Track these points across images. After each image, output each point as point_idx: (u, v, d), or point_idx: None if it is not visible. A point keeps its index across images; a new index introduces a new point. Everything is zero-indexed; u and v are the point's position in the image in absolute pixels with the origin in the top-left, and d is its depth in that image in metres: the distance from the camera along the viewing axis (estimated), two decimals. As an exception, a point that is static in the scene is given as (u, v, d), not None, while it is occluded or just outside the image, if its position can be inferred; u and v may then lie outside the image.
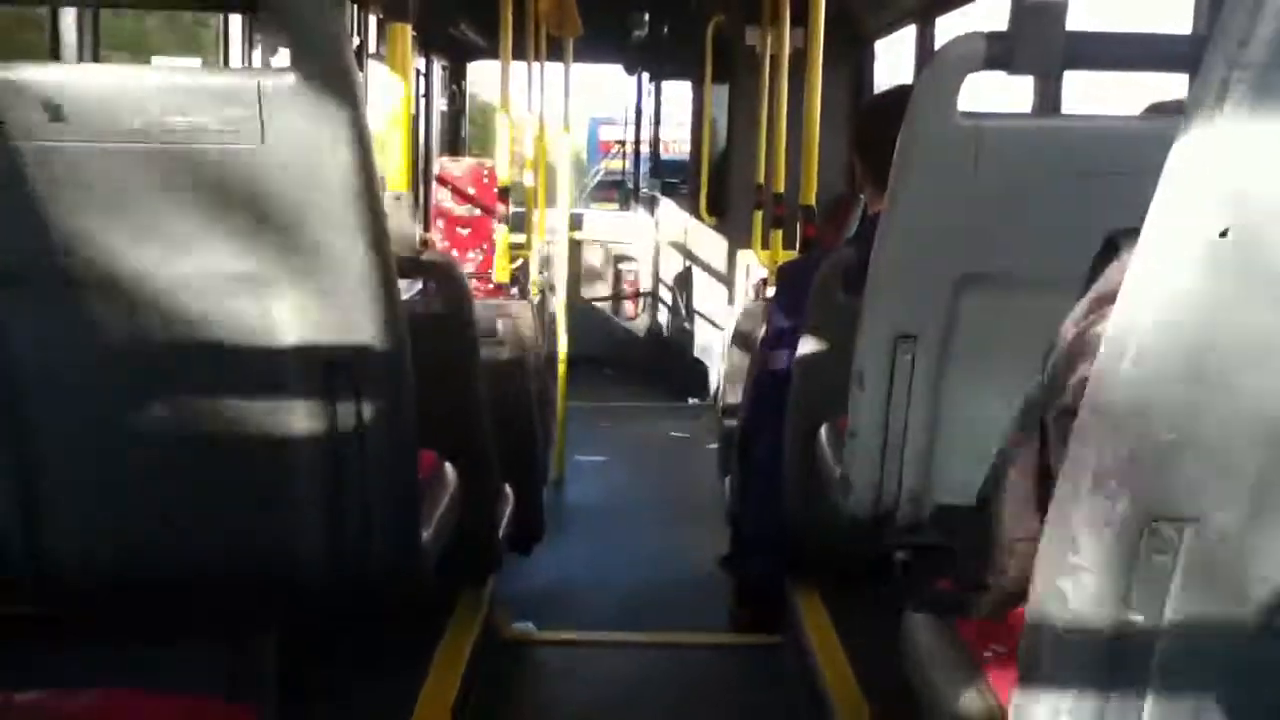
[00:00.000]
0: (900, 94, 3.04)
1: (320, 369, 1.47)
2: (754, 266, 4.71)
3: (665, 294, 7.75)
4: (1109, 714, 0.88)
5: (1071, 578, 0.86)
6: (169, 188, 1.38)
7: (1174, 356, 0.79)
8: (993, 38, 1.55)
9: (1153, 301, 0.79)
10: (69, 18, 2.78)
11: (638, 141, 9.34)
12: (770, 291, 3.38)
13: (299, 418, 1.50)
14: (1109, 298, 1.02)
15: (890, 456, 1.79)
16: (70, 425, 1.52)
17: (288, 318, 1.44)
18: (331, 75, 1.34)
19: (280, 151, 1.34)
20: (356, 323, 1.46)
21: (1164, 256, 0.78)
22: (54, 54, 2.78)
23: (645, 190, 8.41)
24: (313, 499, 1.54)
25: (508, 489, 2.74)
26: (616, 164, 11.09)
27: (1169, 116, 1.77)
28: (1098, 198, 1.55)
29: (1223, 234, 0.75)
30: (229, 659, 1.74)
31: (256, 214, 1.38)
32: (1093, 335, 1.03)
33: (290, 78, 1.32)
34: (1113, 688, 0.88)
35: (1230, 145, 0.74)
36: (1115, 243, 1.10)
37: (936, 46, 4.30)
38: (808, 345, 2.50)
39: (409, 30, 2.57)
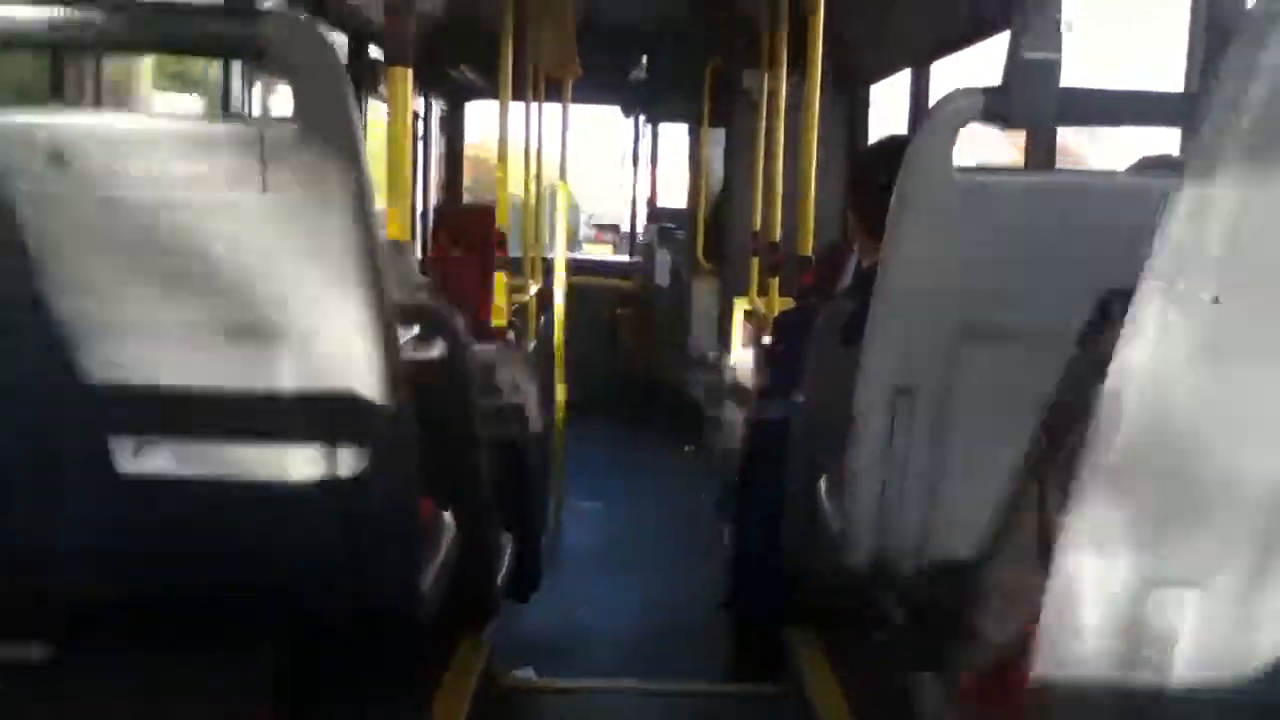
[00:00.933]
0: (892, 145, 3.06)
1: (320, 417, 1.48)
2: (751, 315, 4.71)
3: (662, 340, 7.74)
4: None
5: (1077, 640, 0.87)
6: (170, 236, 1.39)
7: (1169, 421, 0.79)
8: (989, 93, 1.56)
9: (1146, 367, 0.80)
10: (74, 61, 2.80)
11: (634, 186, 9.37)
12: (767, 340, 3.39)
13: (299, 465, 1.50)
14: (1106, 359, 1.03)
15: (890, 509, 1.79)
16: (69, 469, 1.53)
17: (288, 365, 1.44)
18: (333, 126, 1.35)
19: (281, 201, 1.35)
20: (356, 371, 1.46)
21: (1157, 322, 0.79)
22: (55, 97, 2.80)
23: (642, 239, 8.41)
24: (312, 546, 1.55)
25: (506, 536, 2.73)
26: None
27: (1161, 173, 1.79)
28: (1093, 253, 1.55)
29: (1215, 300, 0.76)
30: (230, 708, 1.73)
31: (257, 263, 1.39)
32: (1091, 394, 1.03)
33: (292, 128, 1.33)
34: None
35: (1223, 212, 0.75)
36: (1109, 303, 1.11)
37: (931, 89, 4.35)
38: (807, 395, 2.50)
39: (409, 73, 2.58)
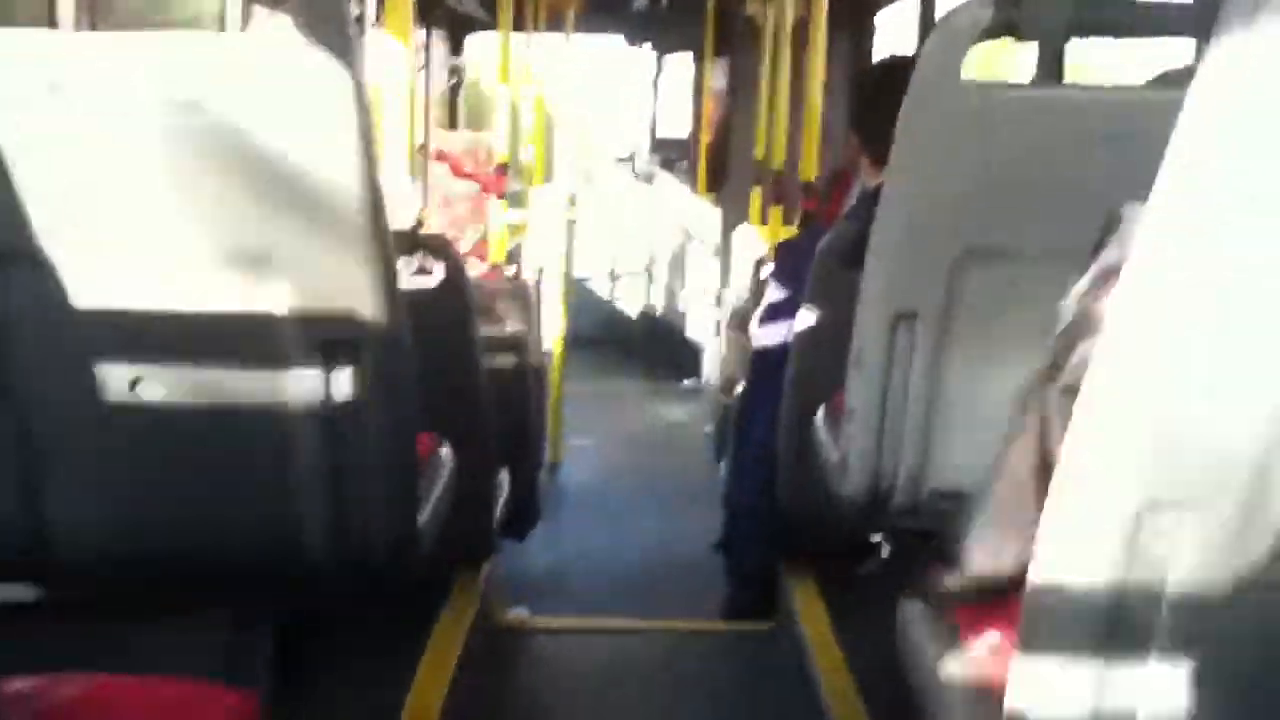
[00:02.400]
0: (895, 64, 2.98)
1: (319, 345, 1.46)
2: (752, 243, 4.66)
3: (661, 272, 7.70)
4: (1105, 697, 0.87)
5: (1070, 562, 0.85)
6: (168, 161, 1.36)
7: (1176, 335, 0.76)
8: (999, 3, 1.52)
9: (1156, 278, 0.76)
10: None
11: (640, 112, 9.26)
12: (768, 269, 3.34)
13: (298, 395, 1.48)
14: (1113, 272, 0.98)
15: (888, 438, 1.76)
16: (67, 404, 1.51)
17: (287, 293, 1.42)
18: (333, 47, 1.31)
19: (281, 123, 1.33)
20: (355, 298, 1.44)
21: (1168, 233, 0.76)
22: (51, 22, 2.73)
23: (643, 166, 8.34)
24: (311, 478, 1.53)
25: (503, 473, 2.71)
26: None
27: (1176, 86, 1.72)
28: (1103, 169, 1.51)
29: (1229, 208, 0.72)
30: (227, 641, 1.73)
31: (256, 187, 1.36)
32: (1095, 311, 0.99)
33: (292, 49, 1.30)
34: (1110, 670, 0.86)
35: (1238, 114, 0.72)
36: (1117, 215, 1.06)
37: (938, 16, 4.25)
38: (805, 323, 2.45)
39: (410, 2, 2.54)
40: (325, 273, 1.42)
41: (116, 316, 1.45)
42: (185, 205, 1.38)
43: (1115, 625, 0.84)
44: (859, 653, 2.38)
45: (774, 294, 2.93)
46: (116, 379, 1.49)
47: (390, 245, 1.46)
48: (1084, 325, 0.99)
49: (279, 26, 1.36)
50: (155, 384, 1.50)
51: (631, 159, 9.06)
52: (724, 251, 6.34)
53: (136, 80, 1.33)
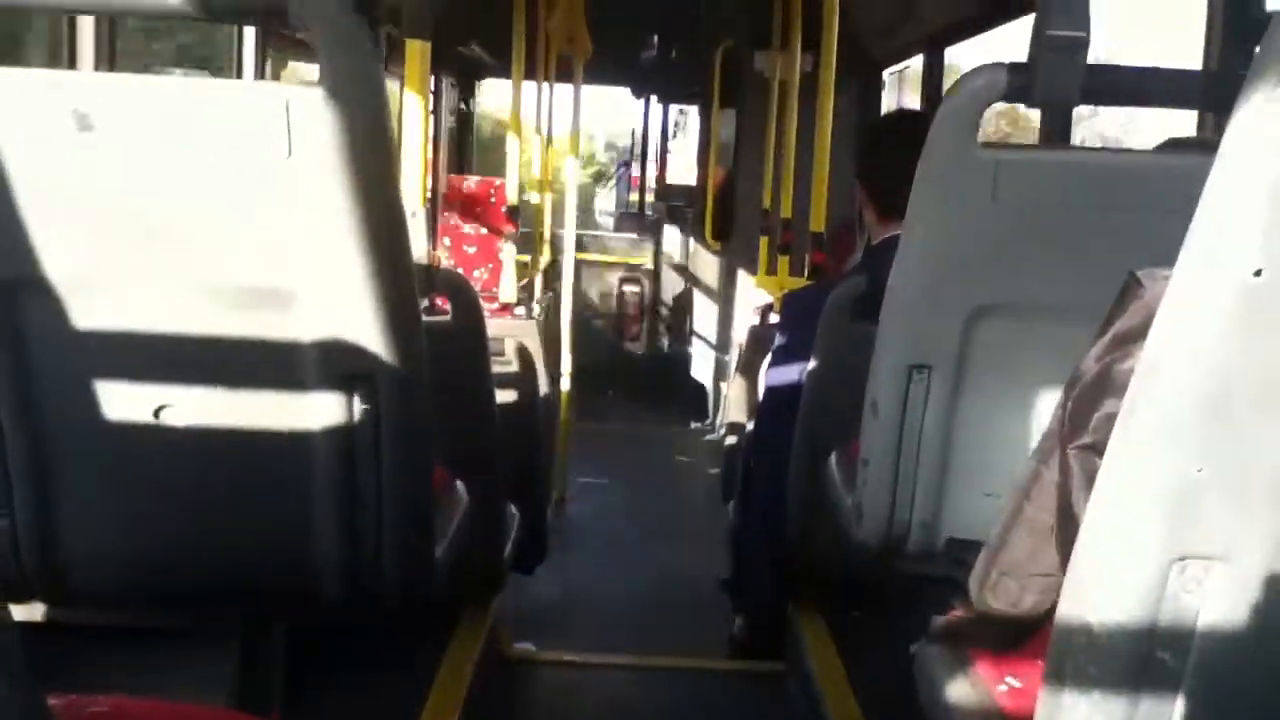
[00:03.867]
0: (901, 119, 3.05)
1: (338, 378, 1.47)
2: (759, 292, 4.71)
3: (668, 318, 7.75)
4: None
5: (1097, 613, 0.86)
6: (194, 198, 1.39)
7: (1205, 394, 0.79)
8: (1013, 69, 1.55)
9: (1185, 339, 0.79)
10: (86, 26, 2.79)
11: (644, 164, 9.36)
12: (775, 318, 3.39)
13: (316, 426, 1.50)
14: (1134, 334, 1.03)
15: (903, 485, 1.78)
16: (87, 432, 1.52)
17: (308, 328, 1.44)
18: (359, 89, 1.34)
19: (306, 164, 1.34)
20: (376, 334, 1.46)
21: (1197, 294, 0.78)
22: (71, 62, 2.79)
23: (650, 215, 8.42)
24: (329, 510, 1.54)
25: (513, 508, 2.73)
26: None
27: (1187, 152, 1.78)
28: (1114, 232, 1.56)
29: (1257, 274, 0.75)
30: (241, 667, 1.74)
31: (281, 226, 1.39)
32: (1118, 372, 1.03)
33: (318, 91, 1.32)
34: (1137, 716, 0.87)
35: (1265, 183, 0.74)
36: (1138, 280, 1.11)
37: (944, 76, 4.33)
38: (817, 371, 2.50)
39: (428, 47, 2.57)
40: (346, 307, 1.43)
41: (138, 345, 1.47)
42: (209, 239, 1.40)
43: (1143, 672, 0.85)
44: (870, 692, 2.39)
45: (783, 341, 2.98)
46: (136, 406, 1.50)
47: (412, 281, 1.48)
48: (1105, 386, 1.03)
49: (288, 71, 1.39)
50: (174, 412, 1.51)
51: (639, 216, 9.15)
52: (730, 298, 6.40)
53: (161, 119, 1.35)
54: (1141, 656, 0.85)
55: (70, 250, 1.41)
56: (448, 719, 2.29)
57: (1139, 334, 0.90)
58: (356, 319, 1.45)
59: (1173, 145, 2.02)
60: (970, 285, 1.69)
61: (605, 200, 14.45)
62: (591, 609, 3.74)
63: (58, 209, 1.39)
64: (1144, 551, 0.83)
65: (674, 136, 9.45)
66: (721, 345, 6.44)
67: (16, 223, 1.39)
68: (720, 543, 3.76)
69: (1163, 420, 0.81)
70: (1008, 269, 1.67)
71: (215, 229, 1.40)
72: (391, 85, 3.23)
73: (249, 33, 3.51)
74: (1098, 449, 0.94)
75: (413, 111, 2.65)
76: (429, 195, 6.03)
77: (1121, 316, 1.09)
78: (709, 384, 6.76)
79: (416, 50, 2.55)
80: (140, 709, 1.23)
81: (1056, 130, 3.00)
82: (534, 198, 5.64)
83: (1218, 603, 0.83)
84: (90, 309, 1.46)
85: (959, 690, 1.29)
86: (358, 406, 1.49)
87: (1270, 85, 0.72)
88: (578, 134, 5.41)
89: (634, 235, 8.61)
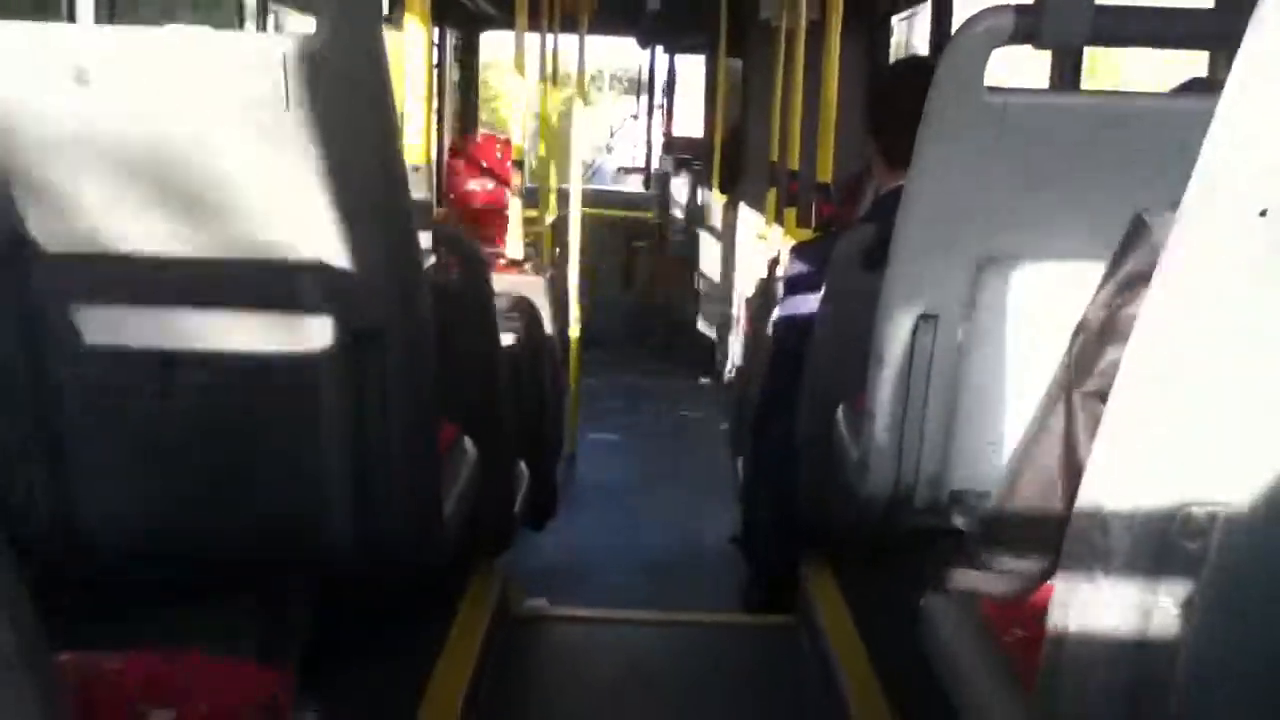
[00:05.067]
0: (910, 67, 3.00)
1: (346, 334, 1.48)
2: (767, 244, 4.69)
3: (676, 272, 7.73)
4: (1138, 698, 0.88)
5: (1101, 562, 0.86)
6: (195, 154, 1.38)
7: (1212, 338, 0.78)
8: (1020, 10, 1.52)
9: (1190, 280, 0.78)
10: None
11: (650, 116, 9.29)
12: (784, 269, 3.37)
13: (324, 386, 1.51)
14: (1140, 278, 1.01)
15: (909, 437, 1.78)
16: (98, 395, 1.53)
17: (313, 286, 1.44)
18: (357, 42, 1.33)
19: (305, 118, 1.33)
20: (381, 291, 1.46)
21: (1202, 235, 0.77)
22: (70, 15, 2.76)
23: (657, 168, 8.37)
24: (338, 468, 1.55)
25: (522, 465, 2.74)
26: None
27: (1197, 95, 1.75)
28: (1126, 176, 1.53)
29: (1262, 213, 0.74)
30: (261, 622, 1.75)
31: (282, 181, 1.38)
32: (1124, 317, 1.01)
33: (316, 43, 1.30)
34: (1141, 672, 0.87)
35: (1270, 122, 0.73)
36: (1144, 222, 1.09)
37: (953, 22, 4.27)
38: (824, 323, 2.48)
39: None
40: (349, 263, 1.43)
41: (145, 304, 1.48)
42: (213, 198, 1.40)
43: (1148, 620, 0.84)
44: (880, 644, 2.40)
45: (791, 293, 2.96)
46: (143, 366, 1.51)
47: (415, 237, 1.48)
48: (1111, 332, 1.02)
49: (305, 23, 1.37)
50: (181, 370, 1.52)
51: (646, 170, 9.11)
52: (738, 251, 6.36)
53: (158, 72, 1.34)
54: (1145, 605, 0.84)
55: (71, 207, 1.41)
56: (461, 674, 2.31)
57: (1146, 277, 0.88)
58: (359, 276, 1.44)
59: (1186, 87, 1.98)
60: (977, 232, 1.67)
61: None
62: (602, 564, 3.76)
63: (57, 165, 1.38)
64: (1148, 498, 0.82)
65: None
66: (728, 299, 6.42)
67: (16, 180, 1.39)
68: (730, 496, 3.77)
69: (1167, 364, 0.79)
70: (1015, 215, 1.65)
71: (216, 184, 1.39)
72: (397, 37, 3.20)
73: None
74: (1103, 395, 0.93)
75: (415, 64, 2.63)
76: (434, 151, 6.02)
77: (1129, 259, 1.07)
78: (716, 338, 6.74)
79: (416, 1, 2.53)
80: (155, 662, 1.24)
81: (1067, 74, 2.95)
82: (541, 151, 5.60)
83: (1222, 550, 0.82)
84: (94, 267, 1.46)
85: (966, 640, 1.29)
86: (364, 362, 1.50)
87: (1274, 25, 0.70)
88: (584, 86, 5.35)
89: (641, 190, 8.57)
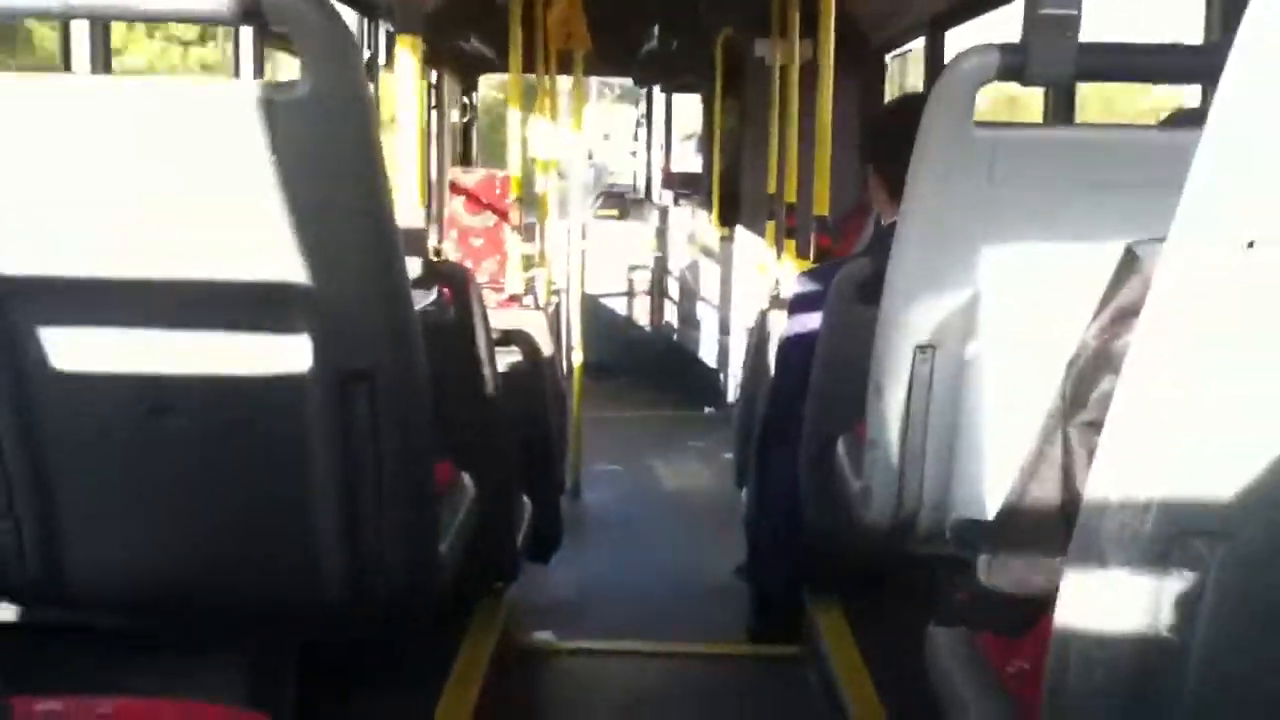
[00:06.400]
0: (911, 101, 3.04)
1: (336, 376, 1.47)
2: (767, 277, 4.72)
3: (677, 303, 7.77)
4: None
5: (1100, 593, 0.86)
6: (183, 201, 1.39)
7: (1201, 369, 0.79)
8: (1005, 49, 1.54)
9: (1179, 314, 0.79)
10: (80, 30, 2.79)
11: (649, 152, 9.38)
12: (788, 292, 3.39)
13: (315, 427, 1.50)
14: (1131, 310, 1.03)
15: (910, 467, 1.78)
16: (86, 438, 1.53)
17: (303, 328, 1.44)
18: (342, 88, 1.34)
19: (293, 162, 1.34)
20: (370, 332, 1.46)
21: (1190, 268, 0.78)
22: (66, 66, 2.80)
23: (657, 202, 8.44)
24: (329, 509, 1.54)
25: (525, 498, 2.74)
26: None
27: (1187, 127, 1.77)
28: (1115, 208, 1.55)
29: (1250, 245, 0.75)
30: (248, 669, 1.75)
31: (269, 227, 1.38)
32: (1116, 348, 1.03)
33: (300, 90, 1.32)
34: (1142, 706, 0.87)
35: (1255, 153, 0.74)
36: (1135, 254, 1.10)
37: (945, 57, 4.32)
38: (824, 355, 2.50)
39: (420, 43, 2.59)
40: (339, 305, 1.43)
41: (133, 350, 1.48)
42: (201, 244, 1.41)
43: (1148, 651, 0.84)
44: (885, 673, 2.40)
45: (792, 324, 2.97)
46: (133, 410, 1.51)
47: (405, 277, 1.48)
48: (1104, 362, 1.03)
49: (292, 71, 1.39)
50: (173, 417, 1.51)
51: (624, 196, 9.21)
52: (737, 283, 6.40)
53: (147, 121, 1.35)
54: (1146, 632, 0.85)
55: (62, 255, 1.42)
56: (466, 708, 2.31)
57: (1138, 309, 0.89)
58: (350, 317, 1.45)
59: (1175, 119, 2.00)
60: (971, 264, 1.68)
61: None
62: (608, 597, 3.75)
63: (49, 213, 1.39)
64: (1145, 527, 0.82)
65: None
66: (730, 329, 6.44)
67: (8, 229, 1.40)
68: (735, 527, 3.77)
69: (1159, 395, 0.80)
70: (1009, 248, 1.66)
71: (205, 230, 1.40)
72: (395, 79, 3.25)
73: (245, 31, 3.52)
74: (1098, 426, 0.94)
75: (407, 107, 2.67)
76: (432, 190, 6.07)
77: (1120, 292, 1.09)
78: (719, 368, 6.76)
79: (409, 46, 2.56)
80: (144, 708, 1.24)
81: (1059, 109, 2.98)
82: (540, 186, 5.64)
83: (1222, 579, 0.82)
84: (85, 314, 1.46)
85: (966, 672, 1.30)
86: (354, 403, 1.49)
87: (1254, 54, 0.72)
88: (581, 126, 5.40)
89: (640, 222, 8.62)
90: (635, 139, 10.29)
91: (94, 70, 2.81)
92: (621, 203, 9.38)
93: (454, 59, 6.42)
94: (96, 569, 1.60)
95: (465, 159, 7.32)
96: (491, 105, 9.22)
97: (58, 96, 1.35)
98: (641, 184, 9.66)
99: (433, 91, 6.40)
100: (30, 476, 1.53)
